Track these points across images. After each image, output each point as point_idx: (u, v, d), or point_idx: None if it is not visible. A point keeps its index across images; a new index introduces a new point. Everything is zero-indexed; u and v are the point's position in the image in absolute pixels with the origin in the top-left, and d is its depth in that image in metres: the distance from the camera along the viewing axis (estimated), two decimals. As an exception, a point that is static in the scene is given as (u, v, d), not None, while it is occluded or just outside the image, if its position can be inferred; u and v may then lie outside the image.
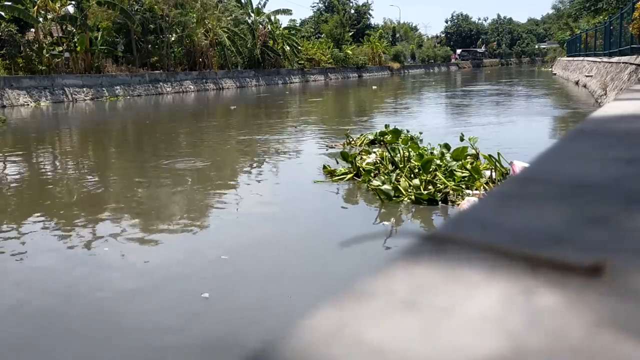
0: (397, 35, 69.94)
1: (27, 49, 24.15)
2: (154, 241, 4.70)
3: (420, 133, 8.87)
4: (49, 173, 8.63)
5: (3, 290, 3.75)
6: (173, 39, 31.39)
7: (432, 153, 6.57)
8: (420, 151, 6.58)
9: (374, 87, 32.47)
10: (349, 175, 6.45)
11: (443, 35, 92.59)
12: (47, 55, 24.59)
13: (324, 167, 6.90)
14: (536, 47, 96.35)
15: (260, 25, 38.49)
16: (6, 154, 10.22)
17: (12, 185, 7.56)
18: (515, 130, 11.20)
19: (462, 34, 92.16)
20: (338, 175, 6.54)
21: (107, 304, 3.43)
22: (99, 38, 27.27)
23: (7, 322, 3.28)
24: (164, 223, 5.24)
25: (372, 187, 5.67)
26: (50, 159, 10.23)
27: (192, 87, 30.71)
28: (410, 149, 6.52)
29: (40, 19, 25.23)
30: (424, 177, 5.59)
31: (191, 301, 3.39)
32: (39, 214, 5.70)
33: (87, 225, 5.23)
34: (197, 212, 5.70)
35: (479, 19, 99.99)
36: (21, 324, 3.20)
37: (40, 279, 3.96)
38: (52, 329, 3.13)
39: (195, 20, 30.85)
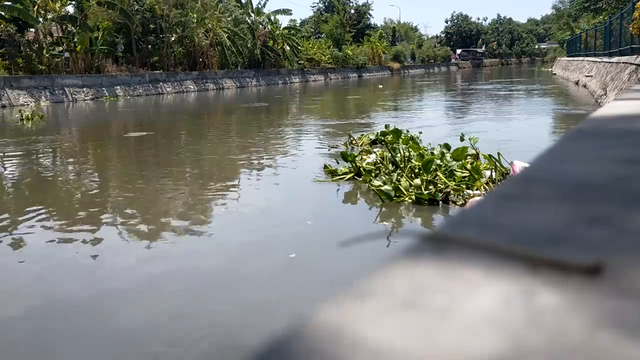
0: (397, 35, 69.93)
1: (27, 49, 24.15)
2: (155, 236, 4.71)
3: (420, 133, 8.86)
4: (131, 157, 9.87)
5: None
6: (173, 39, 31.39)
7: (432, 153, 6.57)
8: (420, 151, 6.58)
9: (380, 86, 32.71)
10: (349, 175, 6.45)
11: (443, 35, 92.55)
12: (47, 55, 24.59)
13: (325, 166, 6.91)
14: (536, 47, 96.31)
15: (260, 25, 38.49)
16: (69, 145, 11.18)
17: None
18: (515, 130, 11.20)
19: (462, 34, 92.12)
20: (339, 175, 6.55)
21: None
22: (99, 38, 27.27)
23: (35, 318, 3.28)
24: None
25: (373, 187, 5.67)
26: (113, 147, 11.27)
27: (192, 87, 30.71)
28: (410, 149, 6.52)
29: (40, 19, 25.23)
30: (425, 177, 5.59)
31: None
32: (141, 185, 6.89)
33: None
34: (201, 207, 5.72)
35: (479, 19, 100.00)
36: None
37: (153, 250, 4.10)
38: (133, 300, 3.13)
39: (195, 21, 30.85)
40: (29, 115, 15.54)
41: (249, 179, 7.38)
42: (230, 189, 6.74)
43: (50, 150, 10.60)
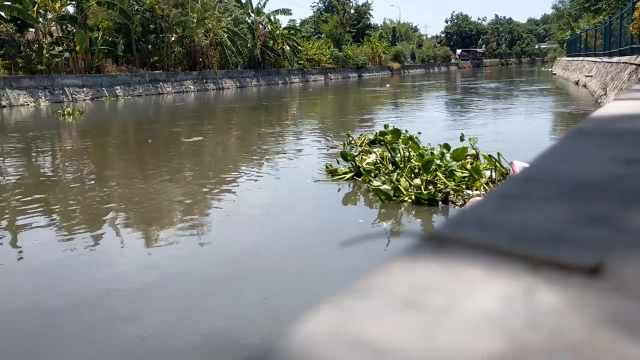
0: (397, 35, 69.91)
1: (27, 49, 24.14)
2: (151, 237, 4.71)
3: (419, 133, 8.85)
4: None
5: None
6: (173, 39, 31.38)
7: (432, 153, 6.57)
8: (420, 151, 6.58)
9: (387, 85, 32.90)
10: (349, 175, 6.46)
11: (443, 35, 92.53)
12: (47, 55, 24.58)
13: (326, 166, 6.93)
14: (536, 47, 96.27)
15: (260, 25, 38.48)
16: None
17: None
18: (515, 130, 11.20)
19: (462, 34, 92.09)
20: (338, 175, 6.55)
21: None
22: (99, 38, 27.26)
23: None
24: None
25: (373, 187, 5.67)
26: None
27: (192, 87, 30.70)
28: (410, 149, 6.52)
29: (40, 19, 25.21)
30: (425, 177, 5.59)
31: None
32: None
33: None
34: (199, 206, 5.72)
35: (479, 19, 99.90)
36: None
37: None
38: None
39: (195, 21, 30.84)
40: (70, 111, 17.23)
41: (250, 177, 7.38)
42: (224, 189, 6.74)
43: (129, 137, 12.81)
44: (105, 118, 18.25)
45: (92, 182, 7.41)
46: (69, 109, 17.65)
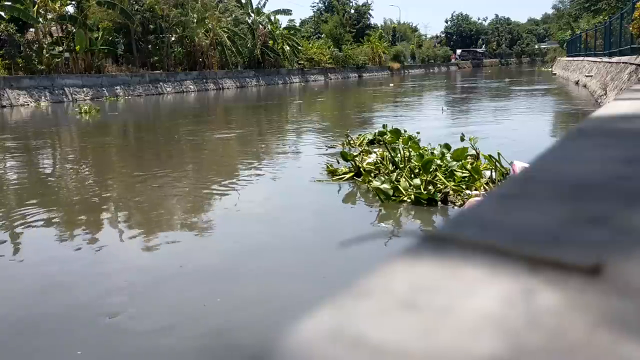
0: (397, 35, 69.88)
1: (27, 49, 24.13)
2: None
3: (418, 133, 8.84)
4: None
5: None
6: (173, 39, 31.37)
7: (432, 153, 6.56)
8: (420, 151, 6.58)
9: (391, 84, 33.04)
10: (349, 175, 6.45)
11: (443, 35, 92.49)
12: (47, 55, 24.58)
13: (327, 166, 6.92)
14: (536, 47, 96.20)
15: (260, 25, 38.47)
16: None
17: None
18: (515, 129, 11.20)
19: (462, 34, 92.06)
20: (338, 175, 6.55)
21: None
22: (99, 38, 27.24)
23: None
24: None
25: (372, 187, 5.67)
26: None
27: (192, 87, 30.70)
28: (410, 149, 6.52)
29: (40, 19, 25.21)
30: (424, 177, 5.59)
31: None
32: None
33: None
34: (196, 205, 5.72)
35: (479, 19, 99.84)
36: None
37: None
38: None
39: (195, 21, 30.84)
40: (87, 109, 17.81)
41: (251, 176, 7.39)
42: (224, 188, 6.75)
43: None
44: (120, 117, 18.45)
45: (148, 167, 8.41)
46: (85, 107, 18.26)
